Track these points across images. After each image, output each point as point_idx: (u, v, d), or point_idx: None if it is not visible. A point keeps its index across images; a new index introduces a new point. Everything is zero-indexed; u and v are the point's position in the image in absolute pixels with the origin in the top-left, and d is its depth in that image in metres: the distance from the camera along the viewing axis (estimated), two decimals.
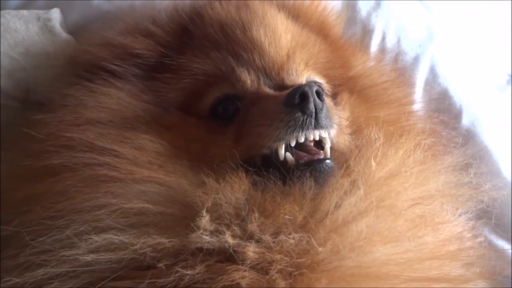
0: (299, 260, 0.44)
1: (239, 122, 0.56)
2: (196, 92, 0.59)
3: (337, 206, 0.48)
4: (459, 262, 0.52)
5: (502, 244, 0.75)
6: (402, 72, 0.83)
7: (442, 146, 0.70)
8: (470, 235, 0.61)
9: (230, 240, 0.45)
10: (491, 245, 0.76)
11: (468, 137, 0.82)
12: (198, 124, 0.58)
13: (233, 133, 0.56)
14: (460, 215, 0.59)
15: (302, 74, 0.61)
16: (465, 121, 0.83)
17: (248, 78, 0.58)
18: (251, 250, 0.44)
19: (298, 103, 0.52)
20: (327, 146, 0.54)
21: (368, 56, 0.79)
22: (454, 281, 0.49)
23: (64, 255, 0.46)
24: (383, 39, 0.84)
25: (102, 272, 0.46)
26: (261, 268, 0.44)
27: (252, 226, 0.46)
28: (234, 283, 0.43)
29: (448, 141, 0.77)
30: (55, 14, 0.69)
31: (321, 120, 0.53)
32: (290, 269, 0.44)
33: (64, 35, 0.67)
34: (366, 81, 0.72)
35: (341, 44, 0.74)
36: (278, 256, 0.44)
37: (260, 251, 0.44)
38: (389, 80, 0.77)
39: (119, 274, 0.45)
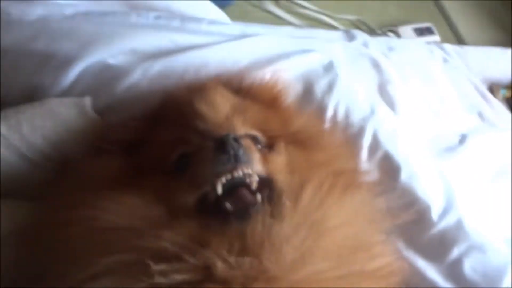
0: (254, 278, 0.61)
1: (191, 169, 0.75)
2: (162, 157, 0.79)
3: (269, 232, 0.64)
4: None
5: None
6: (350, 139, 1.07)
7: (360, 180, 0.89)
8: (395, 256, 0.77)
9: (179, 277, 0.60)
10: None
11: (404, 189, 1.04)
12: (165, 177, 0.76)
13: (186, 178, 0.74)
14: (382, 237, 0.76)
15: (240, 130, 0.78)
16: (403, 176, 1.04)
17: (196, 138, 0.77)
18: (220, 267, 0.61)
19: (220, 148, 0.71)
20: (253, 179, 0.72)
21: (306, 115, 0.98)
22: None
23: None
24: (335, 114, 1.09)
25: None
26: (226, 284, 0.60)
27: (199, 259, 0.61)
28: None
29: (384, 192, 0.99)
30: (88, 101, 0.94)
31: (240, 157, 0.70)
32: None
33: (95, 116, 0.93)
34: (303, 134, 0.90)
35: (281, 107, 0.95)
36: (239, 274, 0.60)
37: (226, 268, 0.61)
38: (323, 130, 0.99)
39: None
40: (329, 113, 1.10)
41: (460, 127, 1.40)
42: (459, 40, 2.63)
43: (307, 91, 1.11)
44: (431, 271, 0.97)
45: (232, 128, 0.79)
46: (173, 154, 0.78)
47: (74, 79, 0.99)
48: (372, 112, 1.13)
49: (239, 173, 0.71)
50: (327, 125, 1.07)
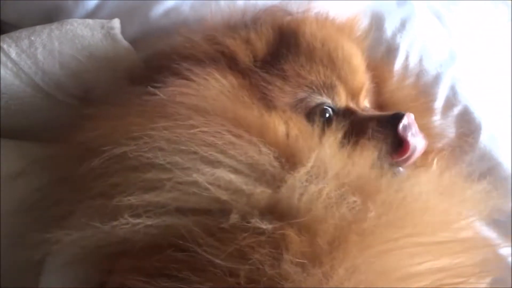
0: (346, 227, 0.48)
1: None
2: (299, 95, 0.68)
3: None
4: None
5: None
6: (422, 89, 0.90)
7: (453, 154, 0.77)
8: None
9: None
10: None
11: (485, 152, 0.88)
12: (304, 121, 0.66)
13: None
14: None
15: (363, 100, 0.75)
16: (483, 137, 0.88)
17: (343, 96, 0.70)
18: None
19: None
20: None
21: (395, 79, 0.86)
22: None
23: (181, 179, 0.49)
24: (407, 58, 0.91)
25: (197, 215, 0.49)
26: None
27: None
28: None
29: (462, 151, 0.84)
30: (117, 24, 0.77)
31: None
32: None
33: (124, 42, 0.76)
34: (392, 100, 0.81)
35: (383, 74, 0.84)
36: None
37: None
38: (410, 96, 0.85)
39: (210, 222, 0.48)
40: (401, 55, 0.91)
41: None
42: None
43: (376, 27, 0.92)
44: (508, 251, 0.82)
45: (362, 97, 0.75)
46: (312, 100, 0.68)
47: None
48: (452, 58, 0.94)
49: None
50: (397, 70, 0.89)
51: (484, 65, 1.02)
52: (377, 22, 0.93)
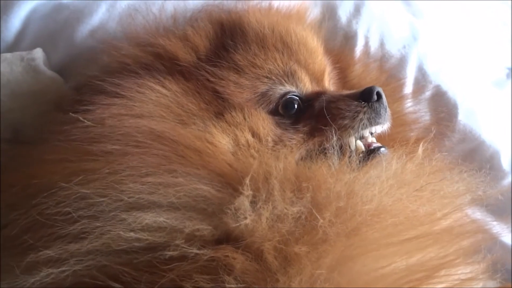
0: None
1: (309, 118, 0.62)
2: (259, 88, 0.63)
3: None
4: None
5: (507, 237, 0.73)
6: (390, 73, 0.84)
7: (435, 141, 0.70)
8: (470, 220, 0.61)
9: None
10: (496, 238, 0.75)
11: (465, 132, 0.82)
12: (266, 117, 0.61)
13: (305, 129, 0.61)
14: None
15: (329, 84, 0.72)
16: (461, 116, 0.82)
17: (307, 81, 0.66)
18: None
19: (375, 100, 0.62)
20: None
21: (361, 66, 0.81)
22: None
23: (106, 230, 0.45)
24: (366, 43, 0.84)
25: (131, 254, 0.45)
26: None
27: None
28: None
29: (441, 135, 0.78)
30: (38, 54, 0.70)
31: (387, 114, 0.63)
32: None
33: (48, 72, 0.69)
34: (360, 85, 0.75)
35: (344, 59, 0.80)
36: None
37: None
38: (379, 80, 0.80)
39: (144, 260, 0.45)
40: (360, 42, 0.84)
41: (507, 60, 1.13)
42: None
43: (329, 16, 0.85)
44: (502, 231, 0.76)
45: (326, 80, 0.72)
46: (275, 92, 0.64)
47: (20, 28, 0.75)
48: (415, 37, 0.87)
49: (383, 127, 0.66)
50: (359, 56, 0.82)
51: (452, 38, 0.95)
52: (329, 10, 0.86)
